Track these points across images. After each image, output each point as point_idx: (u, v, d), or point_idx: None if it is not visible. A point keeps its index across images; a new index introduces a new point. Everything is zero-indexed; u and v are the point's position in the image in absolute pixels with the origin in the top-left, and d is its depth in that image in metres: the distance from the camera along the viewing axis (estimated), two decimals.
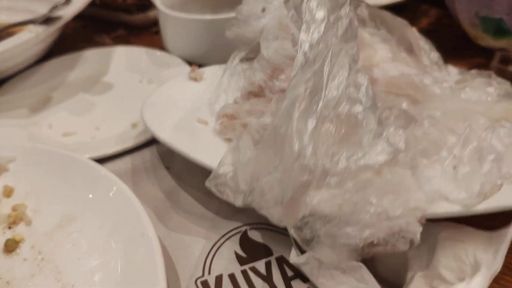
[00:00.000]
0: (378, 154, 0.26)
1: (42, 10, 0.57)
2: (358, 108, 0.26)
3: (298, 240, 0.29)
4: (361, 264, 0.29)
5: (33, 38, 0.52)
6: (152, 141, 0.47)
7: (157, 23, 0.62)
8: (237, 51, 0.49)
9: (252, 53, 0.49)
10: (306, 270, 0.31)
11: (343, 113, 0.25)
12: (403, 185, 0.27)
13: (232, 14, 0.47)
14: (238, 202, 0.29)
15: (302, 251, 0.31)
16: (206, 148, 0.40)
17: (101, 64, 0.60)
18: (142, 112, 0.42)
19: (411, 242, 0.27)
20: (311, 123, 0.24)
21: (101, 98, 0.55)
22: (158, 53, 0.60)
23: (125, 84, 0.57)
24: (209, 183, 0.32)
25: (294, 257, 0.32)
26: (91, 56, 0.61)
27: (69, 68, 0.59)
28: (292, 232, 0.29)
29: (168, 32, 0.58)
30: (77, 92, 0.56)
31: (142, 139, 0.46)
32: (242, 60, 0.49)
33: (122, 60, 0.60)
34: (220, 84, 0.48)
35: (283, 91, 0.39)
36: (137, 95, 0.54)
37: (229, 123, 0.41)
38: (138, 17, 0.71)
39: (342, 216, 0.26)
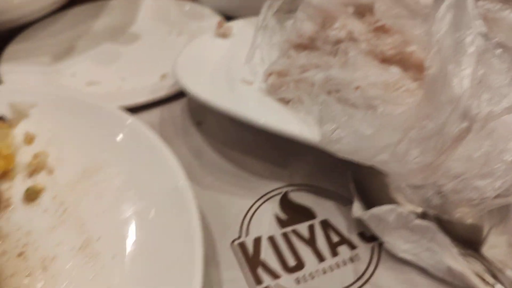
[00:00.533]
0: None
1: None
2: (489, 46, 0.23)
3: (416, 201, 0.25)
4: (430, 224, 0.27)
5: None
6: (183, 93, 0.43)
7: None
8: (269, 1, 0.44)
9: (287, 5, 0.44)
10: (371, 226, 0.30)
11: (485, 52, 0.22)
12: None
13: None
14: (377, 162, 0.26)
15: (368, 206, 0.29)
16: (259, 108, 0.36)
17: (128, 14, 0.56)
18: (178, 77, 0.38)
19: None
20: (465, 63, 0.22)
21: (128, 48, 0.52)
22: (188, 4, 0.56)
23: (153, 35, 0.53)
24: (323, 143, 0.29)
25: (358, 210, 0.30)
26: (117, 5, 0.57)
27: (94, 16, 0.56)
28: (408, 193, 0.26)
29: None
30: (102, 42, 0.53)
31: (173, 90, 0.43)
32: (277, 13, 0.44)
33: (150, 10, 0.57)
34: (255, 40, 0.44)
35: (340, 41, 0.35)
36: (166, 47, 0.51)
37: (279, 81, 0.37)
38: None
39: (473, 169, 0.23)
